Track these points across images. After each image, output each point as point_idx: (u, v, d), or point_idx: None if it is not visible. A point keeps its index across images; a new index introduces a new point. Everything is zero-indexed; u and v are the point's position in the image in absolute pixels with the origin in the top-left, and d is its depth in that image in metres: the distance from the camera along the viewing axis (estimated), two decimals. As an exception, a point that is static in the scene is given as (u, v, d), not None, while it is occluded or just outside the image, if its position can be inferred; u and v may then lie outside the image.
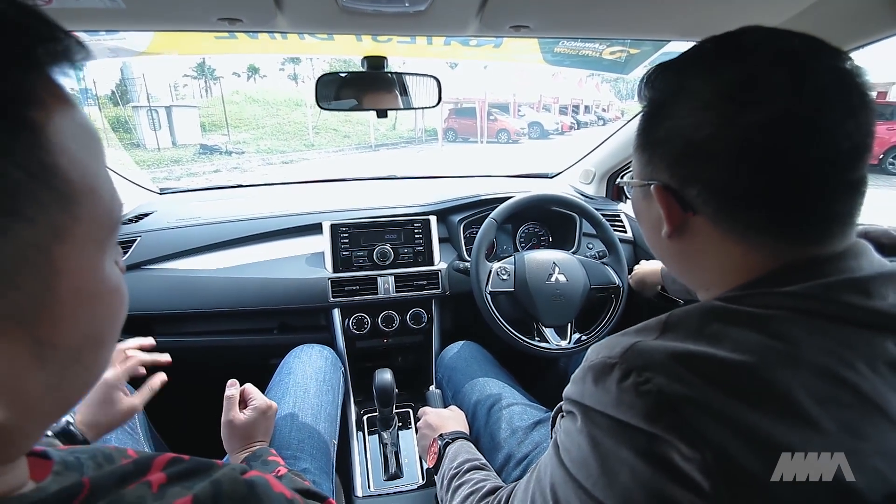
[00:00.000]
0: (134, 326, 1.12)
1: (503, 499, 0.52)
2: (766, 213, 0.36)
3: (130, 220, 1.28)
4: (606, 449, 0.35)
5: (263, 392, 0.84)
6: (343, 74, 1.02)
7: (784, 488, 0.29)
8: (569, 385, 0.42)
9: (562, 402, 0.44)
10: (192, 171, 11.52)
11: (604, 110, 23.95)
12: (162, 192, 1.57)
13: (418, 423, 0.89)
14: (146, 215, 1.30)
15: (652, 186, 0.41)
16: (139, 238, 1.19)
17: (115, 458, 0.31)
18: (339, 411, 0.98)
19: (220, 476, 0.27)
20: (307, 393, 0.93)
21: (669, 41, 0.98)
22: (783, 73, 0.34)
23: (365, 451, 1.05)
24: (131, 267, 1.15)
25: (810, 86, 0.33)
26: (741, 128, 0.35)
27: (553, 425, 0.53)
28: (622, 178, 0.55)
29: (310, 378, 0.97)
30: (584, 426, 0.37)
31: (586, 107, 23.35)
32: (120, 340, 0.25)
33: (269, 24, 0.77)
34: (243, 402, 0.79)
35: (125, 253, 1.16)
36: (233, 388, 0.79)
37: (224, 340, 1.22)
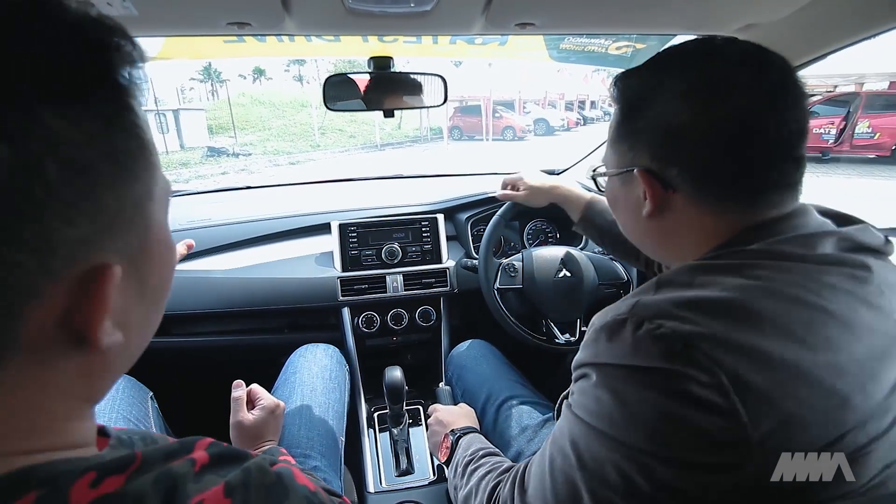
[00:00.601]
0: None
1: (520, 469, 0.52)
2: (732, 186, 0.43)
3: None
4: (628, 395, 0.38)
5: (270, 392, 0.84)
6: (350, 75, 1.03)
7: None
8: (579, 353, 0.45)
9: (564, 394, 0.46)
10: (200, 173, 11.61)
11: (610, 105, 23.66)
12: (173, 194, 1.59)
13: (429, 420, 0.90)
14: None
15: (635, 170, 0.47)
16: None
17: (159, 441, 0.36)
18: (346, 409, 0.99)
19: (251, 464, 0.29)
20: (314, 391, 0.94)
21: (676, 35, 0.97)
22: (744, 74, 0.42)
23: (376, 448, 1.06)
24: None
25: (765, 84, 0.41)
26: (713, 117, 0.42)
27: (557, 417, 0.54)
28: (594, 170, 0.60)
29: (316, 376, 0.98)
30: (602, 381, 0.41)
31: (592, 102, 23.17)
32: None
33: (277, 27, 0.77)
34: (251, 403, 0.78)
35: None
36: (239, 390, 0.78)
37: (236, 340, 1.24)
